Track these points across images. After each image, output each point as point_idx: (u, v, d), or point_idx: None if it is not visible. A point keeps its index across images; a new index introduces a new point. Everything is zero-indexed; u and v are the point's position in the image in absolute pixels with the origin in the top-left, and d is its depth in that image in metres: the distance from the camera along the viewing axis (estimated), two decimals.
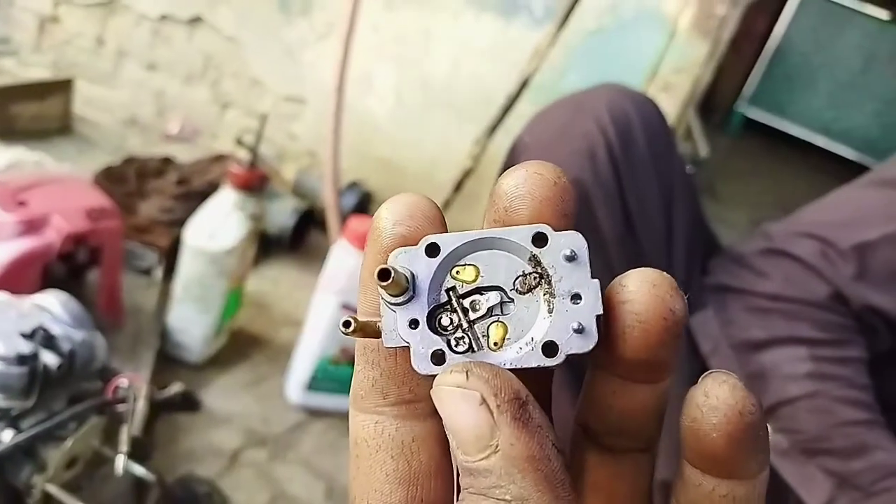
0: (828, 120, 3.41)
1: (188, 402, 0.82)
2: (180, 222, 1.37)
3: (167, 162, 1.71)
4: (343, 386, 1.20)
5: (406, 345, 0.21)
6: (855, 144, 3.41)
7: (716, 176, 2.60)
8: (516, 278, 0.21)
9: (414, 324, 0.21)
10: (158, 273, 1.34)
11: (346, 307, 1.15)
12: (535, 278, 0.21)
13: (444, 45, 1.76)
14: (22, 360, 0.61)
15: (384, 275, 0.20)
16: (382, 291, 0.21)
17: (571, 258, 0.21)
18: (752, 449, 0.20)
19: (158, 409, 0.79)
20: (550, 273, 0.21)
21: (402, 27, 1.78)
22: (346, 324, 0.21)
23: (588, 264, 0.21)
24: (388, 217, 0.22)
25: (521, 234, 0.21)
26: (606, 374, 0.21)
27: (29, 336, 0.64)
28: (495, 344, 0.21)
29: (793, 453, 0.72)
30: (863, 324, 0.75)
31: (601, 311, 0.20)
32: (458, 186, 1.31)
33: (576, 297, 0.20)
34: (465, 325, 0.21)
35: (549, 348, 0.20)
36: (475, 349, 0.21)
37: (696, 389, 0.20)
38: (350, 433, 0.23)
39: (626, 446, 0.22)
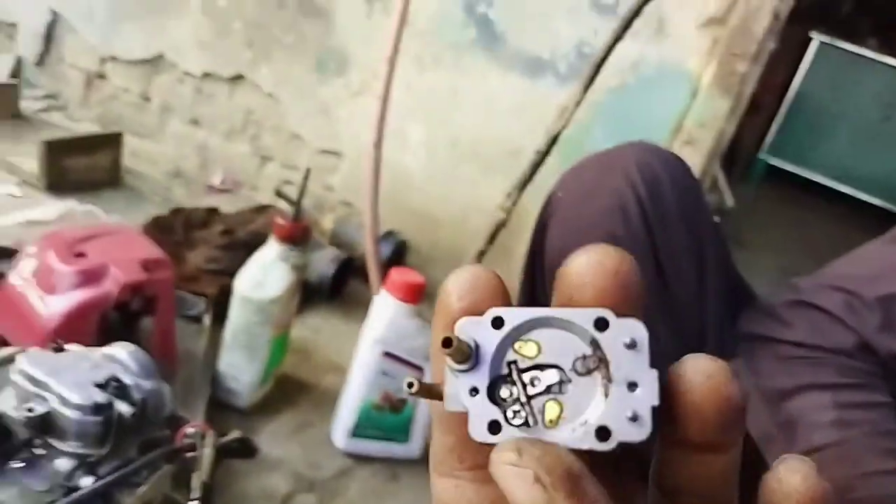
0: (849, 167, 3.44)
1: (246, 448, 0.86)
2: (226, 271, 1.44)
3: (212, 212, 1.78)
4: (385, 433, 1.24)
5: (465, 410, 0.22)
6: (877, 191, 3.43)
7: (741, 225, 2.64)
8: (576, 360, 0.22)
9: (474, 391, 0.22)
10: (207, 320, 1.40)
11: (388, 355, 1.20)
12: (594, 361, 0.22)
13: (472, 103, 1.83)
14: (98, 409, 0.65)
15: (447, 342, 0.21)
16: (447, 358, 0.22)
17: (631, 346, 0.21)
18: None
19: (218, 455, 0.83)
20: (609, 358, 0.21)
21: (433, 87, 1.86)
22: (410, 385, 0.22)
23: (647, 353, 0.21)
24: (454, 289, 0.23)
25: (584, 317, 0.22)
26: (674, 446, 0.22)
27: (102, 386, 0.69)
28: (550, 421, 0.21)
29: None
30: (888, 370, 0.77)
31: (657, 402, 0.21)
32: (492, 239, 1.36)
33: (632, 385, 0.21)
34: (523, 399, 0.22)
35: (603, 433, 0.21)
36: (530, 424, 0.22)
37: (770, 476, 0.21)
38: (433, 497, 0.24)
39: None
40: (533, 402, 0.22)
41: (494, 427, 0.22)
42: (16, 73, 2.28)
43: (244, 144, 2.11)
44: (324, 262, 1.65)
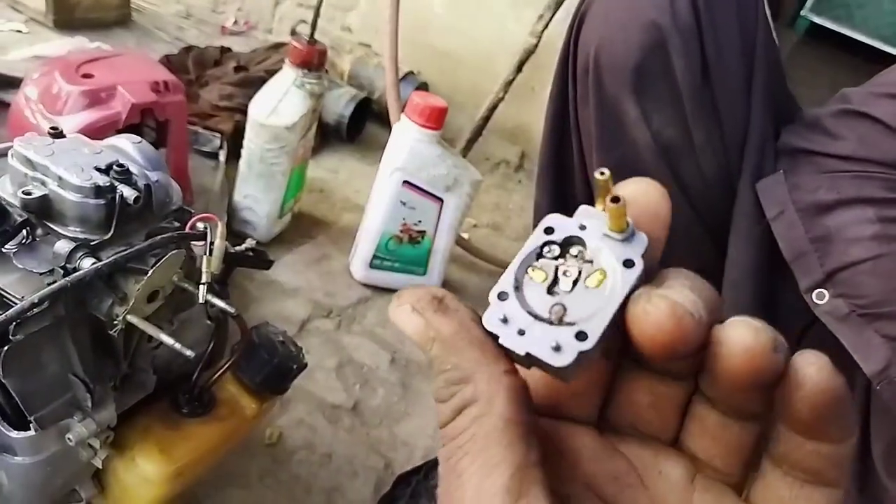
0: None
1: (260, 259, 0.83)
2: (241, 108, 1.38)
3: (225, 51, 1.70)
4: (404, 264, 1.22)
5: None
6: None
7: None
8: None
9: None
10: (223, 156, 1.36)
11: (408, 184, 1.15)
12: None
13: None
14: (99, 191, 0.61)
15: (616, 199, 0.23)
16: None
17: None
18: (835, 422, 0.21)
19: (232, 262, 0.80)
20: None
21: None
22: (602, 173, 0.23)
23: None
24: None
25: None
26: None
27: (104, 171, 0.64)
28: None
29: (852, 318, 0.69)
30: None
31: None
32: (520, 67, 1.28)
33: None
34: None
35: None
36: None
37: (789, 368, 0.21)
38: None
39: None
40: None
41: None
42: None
43: None
44: (341, 102, 1.58)
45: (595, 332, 0.22)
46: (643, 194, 0.24)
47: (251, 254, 0.85)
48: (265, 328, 0.80)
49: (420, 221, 1.19)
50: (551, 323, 0.23)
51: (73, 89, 1.08)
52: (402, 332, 0.24)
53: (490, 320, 0.23)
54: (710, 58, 0.71)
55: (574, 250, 0.24)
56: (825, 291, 0.69)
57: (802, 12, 3.34)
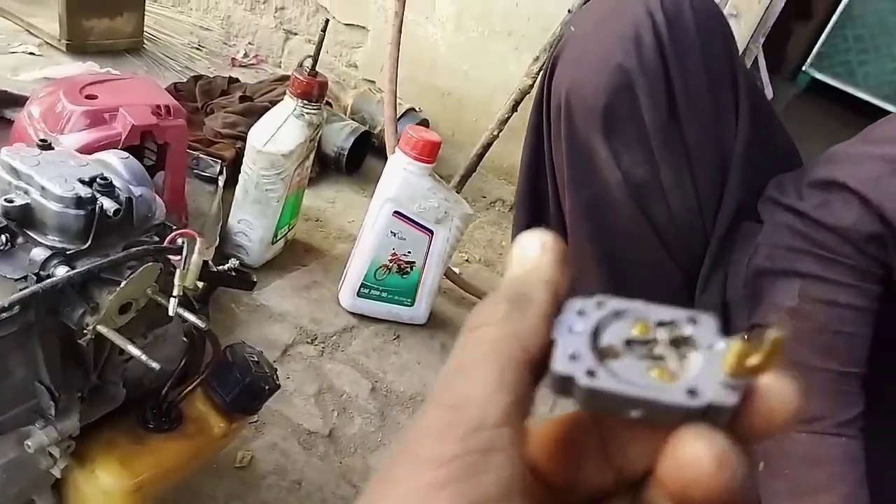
0: None
1: (244, 280, 0.84)
2: (243, 136, 1.41)
3: (232, 81, 1.74)
4: (391, 294, 1.22)
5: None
6: None
7: None
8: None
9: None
10: (221, 182, 1.38)
11: (398, 214, 1.16)
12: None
13: None
14: (79, 202, 0.62)
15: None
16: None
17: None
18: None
19: (215, 282, 0.81)
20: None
21: None
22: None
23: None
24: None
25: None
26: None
27: (87, 183, 0.65)
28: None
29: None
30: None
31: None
32: (515, 107, 1.30)
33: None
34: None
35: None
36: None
37: (675, 444, 0.20)
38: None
39: None
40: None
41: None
42: None
43: (268, 17, 2.05)
44: (342, 134, 1.61)
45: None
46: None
47: (234, 274, 0.86)
48: (240, 347, 0.81)
49: (409, 252, 1.20)
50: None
51: (75, 109, 1.11)
52: (517, 247, 0.24)
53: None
54: (679, 99, 0.72)
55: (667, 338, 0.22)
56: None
57: (804, 67, 3.38)
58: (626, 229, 0.81)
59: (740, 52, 1.53)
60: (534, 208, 0.92)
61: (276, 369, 0.82)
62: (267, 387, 0.79)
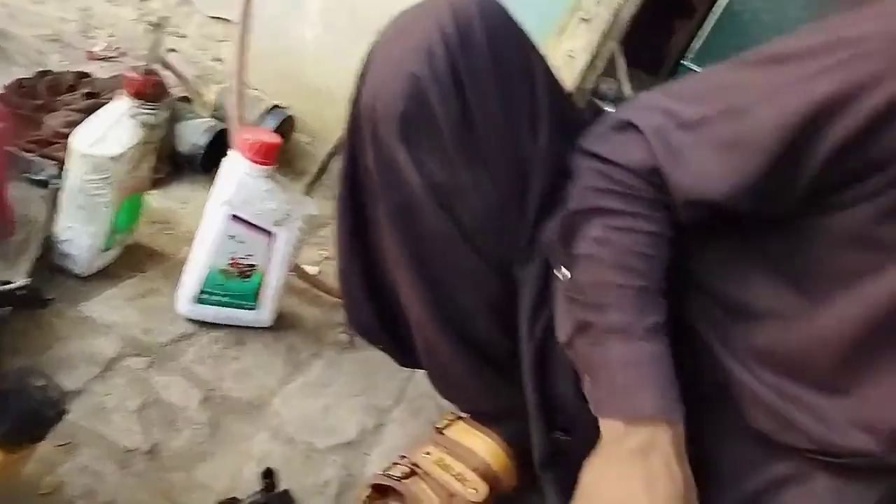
0: None
1: (35, 298, 0.79)
2: None
3: (82, 77, 1.65)
4: (232, 299, 1.18)
5: None
6: None
7: None
8: None
9: None
10: (56, 185, 1.30)
11: (236, 218, 1.13)
12: None
13: None
14: None
15: None
16: None
17: None
18: None
19: (2, 303, 0.76)
20: None
21: None
22: None
23: None
24: None
25: None
26: None
27: None
28: None
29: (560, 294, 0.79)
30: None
31: None
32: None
33: None
34: None
35: None
36: None
37: None
38: None
39: None
40: None
41: None
42: None
43: (130, 9, 1.95)
44: (198, 132, 1.55)
45: None
46: None
47: (24, 293, 0.80)
48: (19, 373, 0.76)
49: (250, 255, 1.16)
50: None
51: None
52: None
53: None
54: (472, 104, 0.75)
55: None
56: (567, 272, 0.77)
57: (684, 61, 3.47)
58: (434, 233, 0.82)
59: (593, 55, 1.56)
60: (354, 214, 0.92)
61: (66, 393, 0.78)
62: (53, 413, 0.75)
